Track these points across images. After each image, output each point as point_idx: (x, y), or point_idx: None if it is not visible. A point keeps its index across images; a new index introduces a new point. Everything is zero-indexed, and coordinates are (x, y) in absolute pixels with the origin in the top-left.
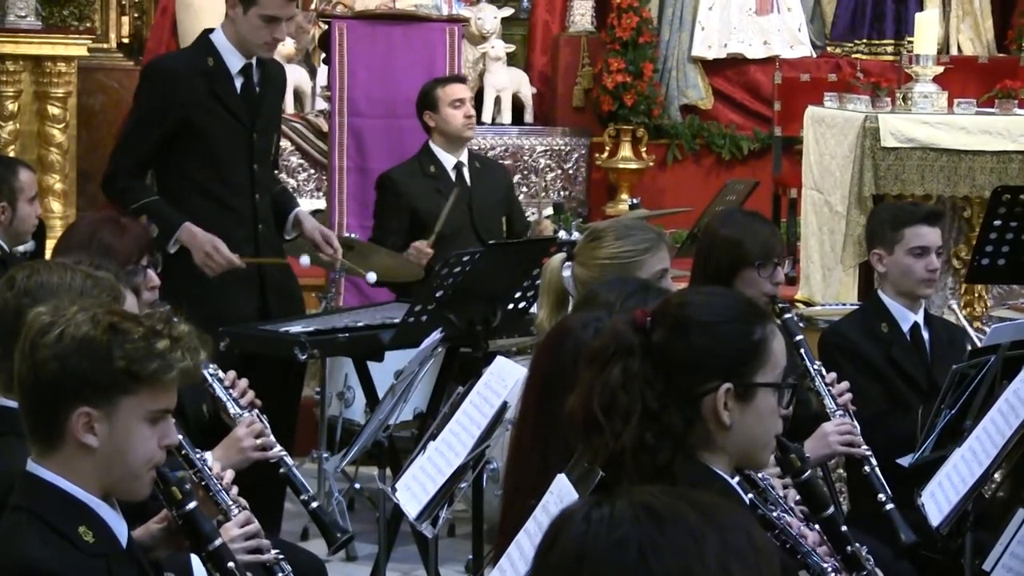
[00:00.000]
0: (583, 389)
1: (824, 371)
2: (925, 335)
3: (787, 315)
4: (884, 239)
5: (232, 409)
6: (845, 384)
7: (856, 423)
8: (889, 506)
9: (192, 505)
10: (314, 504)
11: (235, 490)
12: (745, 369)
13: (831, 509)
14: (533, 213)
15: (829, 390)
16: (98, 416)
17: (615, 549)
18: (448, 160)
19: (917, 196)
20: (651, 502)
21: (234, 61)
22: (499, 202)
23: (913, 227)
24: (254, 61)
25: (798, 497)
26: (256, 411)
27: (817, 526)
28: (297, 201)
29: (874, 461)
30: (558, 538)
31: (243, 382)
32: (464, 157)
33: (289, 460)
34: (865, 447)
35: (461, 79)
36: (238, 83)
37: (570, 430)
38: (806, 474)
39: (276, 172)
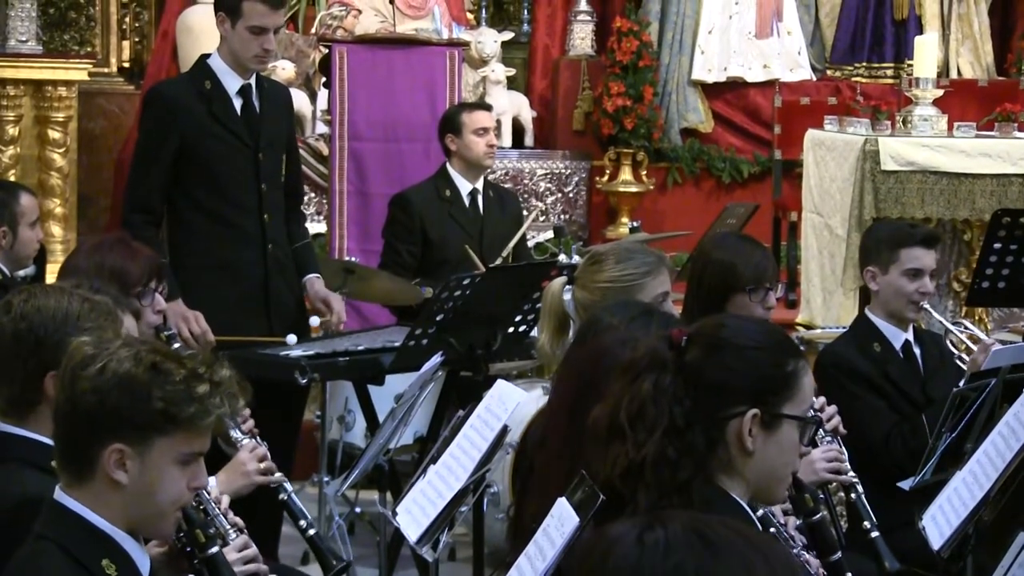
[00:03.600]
0: (611, 398)
1: (814, 397)
2: (917, 351)
3: None
4: (879, 258)
5: (235, 434)
6: (833, 408)
7: (844, 449)
8: (874, 534)
9: (215, 550)
10: (311, 531)
11: (231, 514)
12: (774, 398)
13: (839, 554)
14: (534, 236)
15: (818, 416)
16: (131, 454)
17: (672, 574)
18: (464, 186)
19: (917, 219)
20: (704, 529)
21: (231, 82)
22: (510, 234)
23: (909, 249)
24: (253, 82)
25: (798, 522)
26: (257, 438)
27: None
28: (317, 265)
29: (860, 488)
30: (607, 560)
31: (245, 411)
32: (480, 184)
33: (289, 487)
34: (852, 474)
35: (487, 107)
36: (237, 104)
37: (590, 439)
38: (818, 516)
39: (299, 199)
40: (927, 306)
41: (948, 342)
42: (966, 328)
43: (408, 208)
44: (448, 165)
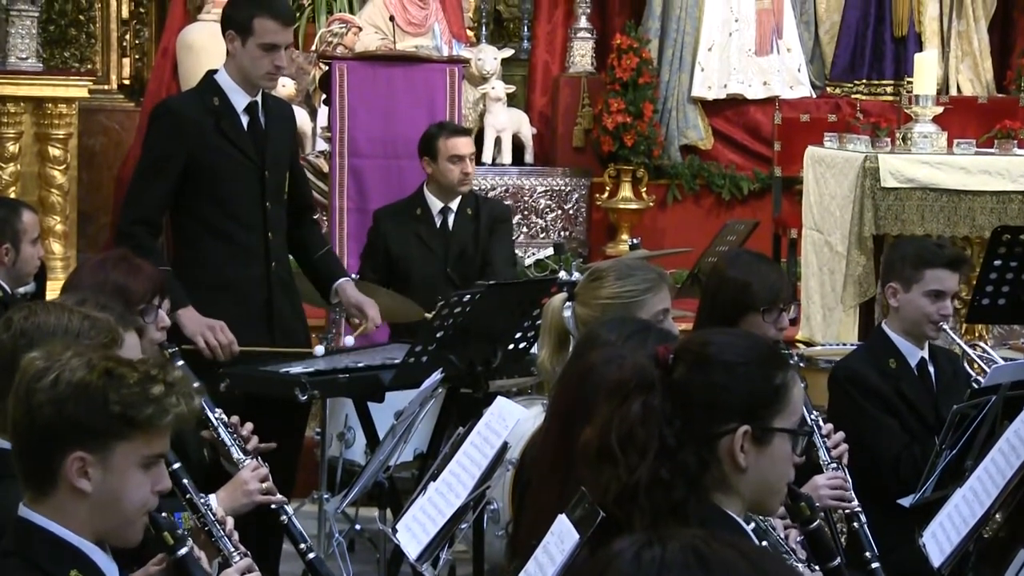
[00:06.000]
0: (600, 421)
1: (821, 422)
2: (931, 369)
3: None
4: (903, 275)
5: (236, 454)
6: (840, 435)
7: (848, 477)
8: (875, 565)
9: (184, 551)
10: (311, 555)
11: (236, 536)
12: (764, 413)
13: (837, 560)
14: (534, 253)
15: (824, 442)
16: (92, 461)
17: None
18: (436, 205)
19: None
20: (701, 547)
21: (239, 99)
22: (487, 247)
23: (935, 270)
24: (259, 99)
25: (799, 538)
26: (259, 458)
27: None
28: (344, 269)
29: (863, 518)
30: (604, 575)
31: (248, 427)
32: (455, 203)
33: (289, 509)
34: (856, 503)
35: (466, 131)
36: (244, 121)
37: (581, 462)
38: (815, 523)
39: (312, 211)
40: (946, 328)
41: (964, 363)
42: (984, 351)
43: (376, 226)
44: (424, 185)
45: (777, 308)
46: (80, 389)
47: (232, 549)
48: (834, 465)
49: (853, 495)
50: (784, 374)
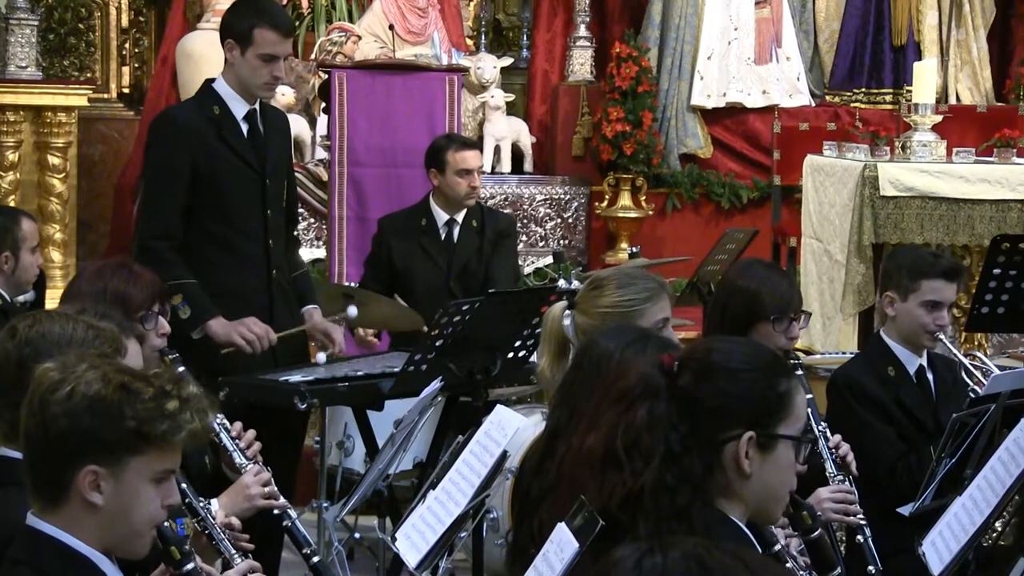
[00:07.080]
0: (606, 427)
1: (828, 433)
2: (930, 377)
3: (799, 372)
4: (899, 285)
5: (238, 459)
6: (847, 447)
7: (855, 489)
8: None
9: (191, 566)
10: (315, 559)
11: (244, 536)
12: (769, 420)
13: (838, 569)
14: (533, 261)
15: (831, 453)
16: (105, 475)
17: None
18: (441, 217)
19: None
20: (703, 556)
21: (238, 108)
22: (490, 259)
23: (931, 280)
24: (257, 107)
25: (801, 546)
26: (261, 462)
27: None
28: (314, 296)
29: (868, 531)
30: None
31: (250, 433)
32: (461, 215)
33: (292, 513)
34: (860, 516)
35: (474, 144)
36: (244, 129)
37: (584, 468)
38: (816, 532)
39: (295, 225)
40: (943, 338)
41: (962, 373)
42: (980, 361)
43: (379, 235)
44: (431, 196)
45: (787, 317)
46: (96, 403)
47: (233, 551)
48: (840, 477)
49: (858, 508)
50: (788, 381)
